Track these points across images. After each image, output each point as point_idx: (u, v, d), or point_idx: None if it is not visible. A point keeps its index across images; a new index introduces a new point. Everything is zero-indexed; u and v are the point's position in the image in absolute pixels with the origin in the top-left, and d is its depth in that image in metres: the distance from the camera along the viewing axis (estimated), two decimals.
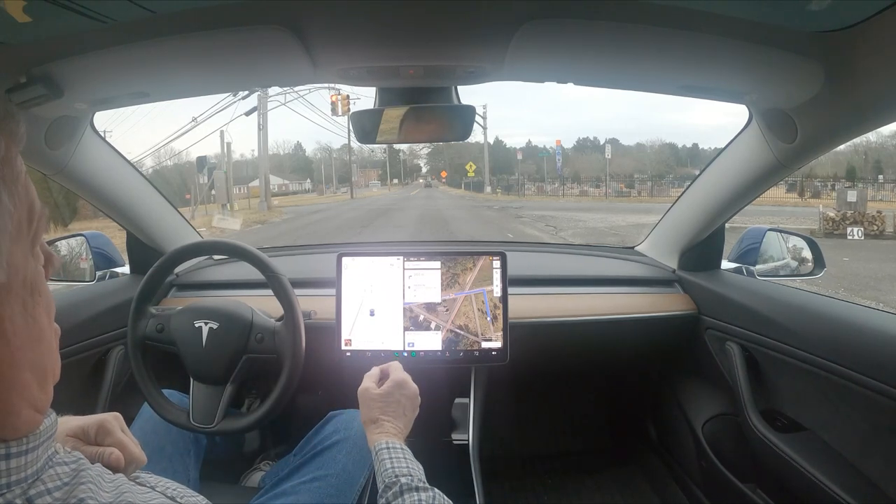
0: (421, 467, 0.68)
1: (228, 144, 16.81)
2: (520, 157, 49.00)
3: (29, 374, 0.34)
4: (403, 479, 0.63)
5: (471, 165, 34.53)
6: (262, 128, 19.19)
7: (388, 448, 0.68)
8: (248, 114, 17.49)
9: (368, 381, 0.79)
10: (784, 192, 21.04)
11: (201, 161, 16.53)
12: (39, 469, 0.35)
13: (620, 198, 25.13)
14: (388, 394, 0.77)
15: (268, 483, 0.93)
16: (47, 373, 0.37)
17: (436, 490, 0.62)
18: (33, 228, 0.35)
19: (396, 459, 0.67)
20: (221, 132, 16.88)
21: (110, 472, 0.41)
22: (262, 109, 18.50)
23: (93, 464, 0.40)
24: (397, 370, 0.81)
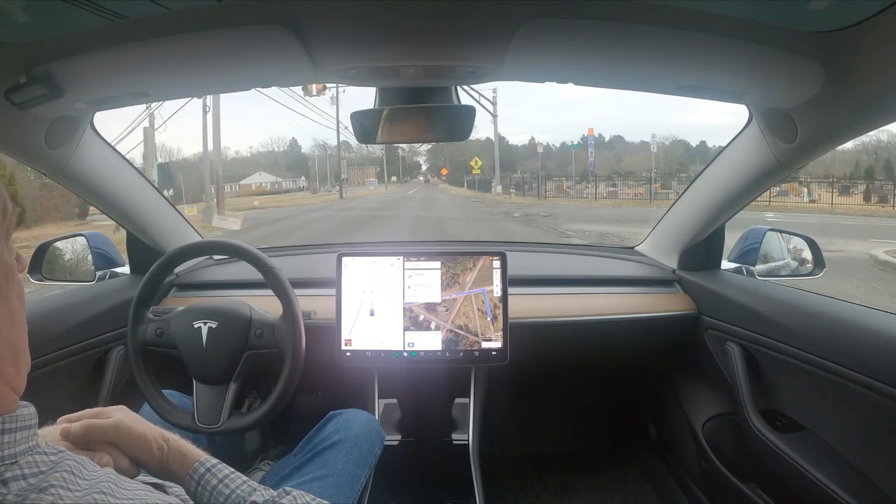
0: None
1: (148, 132, 12.51)
2: (540, 150, 38.97)
3: (4, 349, 0.37)
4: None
5: (476, 161, 29.15)
6: (211, 109, 14.10)
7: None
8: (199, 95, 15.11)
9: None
10: (837, 196, 16.79)
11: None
12: (17, 454, 0.36)
13: (658, 201, 19.69)
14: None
15: (268, 483, 0.93)
16: (20, 354, 0.39)
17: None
18: (6, 223, 0.40)
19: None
20: (151, 116, 12.60)
21: (97, 466, 0.42)
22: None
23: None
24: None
